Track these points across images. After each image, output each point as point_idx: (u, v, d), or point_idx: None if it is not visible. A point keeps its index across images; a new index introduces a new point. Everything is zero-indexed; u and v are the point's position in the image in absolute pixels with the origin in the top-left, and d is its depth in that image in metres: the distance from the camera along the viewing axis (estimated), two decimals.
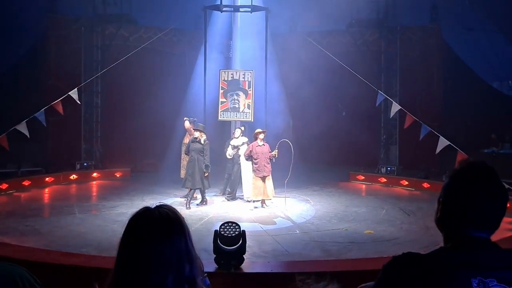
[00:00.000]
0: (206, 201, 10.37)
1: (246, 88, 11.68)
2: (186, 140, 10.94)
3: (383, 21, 15.09)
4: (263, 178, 9.94)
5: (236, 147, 10.77)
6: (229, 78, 11.76)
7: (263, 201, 10.17)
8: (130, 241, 1.49)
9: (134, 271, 1.45)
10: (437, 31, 14.52)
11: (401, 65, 14.72)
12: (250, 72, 11.73)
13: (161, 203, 1.58)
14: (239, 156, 10.69)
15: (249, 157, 10.05)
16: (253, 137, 10.26)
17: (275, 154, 9.98)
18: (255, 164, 9.96)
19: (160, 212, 1.52)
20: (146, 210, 1.53)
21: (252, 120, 11.78)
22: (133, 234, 1.50)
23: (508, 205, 1.57)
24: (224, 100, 11.74)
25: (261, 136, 10.03)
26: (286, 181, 10.12)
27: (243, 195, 10.80)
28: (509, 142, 13.00)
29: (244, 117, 11.75)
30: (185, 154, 10.52)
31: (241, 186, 10.86)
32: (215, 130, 13.46)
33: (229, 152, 10.86)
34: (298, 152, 14.64)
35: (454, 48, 14.55)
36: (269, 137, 10.68)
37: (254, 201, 10.16)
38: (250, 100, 11.66)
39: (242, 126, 11.40)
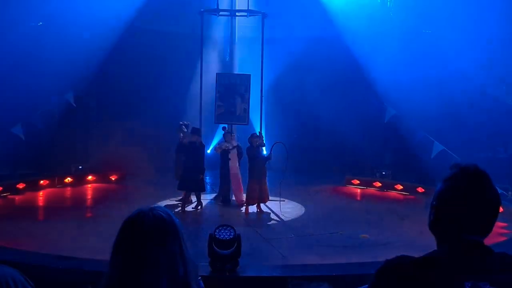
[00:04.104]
0: (201, 205, 10.36)
1: (243, 92, 11.68)
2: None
3: (378, 26, 15.12)
4: (259, 182, 9.96)
5: (227, 151, 10.75)
6: (226, 82, 11.76)
7: (258, 205, 10.17)
8: (124, 244, 1.49)
9: (128, 273, 1.45)
10: (432, 35, 14.58)
11: (397, 70, 14.74)
12: (247, 76, 11.74)
13: (155, 206, 1.58)
14: (229, 159, 10.70)
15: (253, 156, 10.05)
16: (248, 141, 10.28)
17: (270, 157, 10.06)
18: (252, 167, 10.00)
19: (154, 214, 1.52)
20: (140, 213, 1.53)
21: (248, 124, 11.80)
22: (127, 237, 1.50)
23: (500, 209, 1.59)
24: (221, 103, 11.71)
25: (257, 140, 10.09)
26: (280, 182, 10.14)
27: (234, 199, 10.83)
28: (504, 147, 13.07)
29: (240, 121, 11.74)
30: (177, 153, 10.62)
31: (232, 190, 10.87)
32: (212, 134, 13.48)
33: (221, 146, 10.80)
34: (294, 156, 14.68)
35: (448, 52, 14.59)
36: (266, 141, 10.71)
37: (249, 205, 10.16)
38: (246, 104, 11.66)
39: (224, 128, 11.34)
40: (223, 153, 10.75)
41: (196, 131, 10.30)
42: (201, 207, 10.31)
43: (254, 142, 10.08)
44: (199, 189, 10.12)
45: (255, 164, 9.95)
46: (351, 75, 14.05)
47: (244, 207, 10.21)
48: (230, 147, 10.70)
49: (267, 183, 10.28)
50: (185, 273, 1.50)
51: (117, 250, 1.49)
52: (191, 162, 9.99)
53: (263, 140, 10.34)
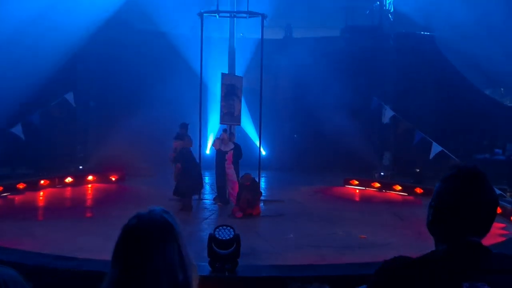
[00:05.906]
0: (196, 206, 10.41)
1: (239, 93, 11.67)
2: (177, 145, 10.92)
3: (377, 28, 15.18)
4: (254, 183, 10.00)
5: (224, 152, 10.74)
6: (228, 82, 11.73)
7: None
8: (124, 250, 1.47)
9: (128, 279, 1.44)
10: (432, 38, 14.64)
11: (396, 72, 14.80)
12: (240, 78, 11.73)
13: (154, 207, 1.55)
14: (226, 161, 10.70)
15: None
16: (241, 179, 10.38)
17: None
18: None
19: (153, 217, 1.50)
20: (138, 216, 1.51)
21: (240, 124, 11.83)
22: (126, 242, 1.47)
23: (498, 210, 1.60)
24: (224, 103, 11.67)
25: None
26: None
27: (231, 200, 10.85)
28: (501, 148, 13.11)
29: (237, 122, 11.73)
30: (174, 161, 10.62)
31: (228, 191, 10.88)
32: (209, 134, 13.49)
33: (217, 143, 10.86)
34: (294, 156, 14.70)
35: (447, 55, 14.67)
36: (264, 141, 10.72)
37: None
38: (240, 105, 11.65)
39: (224, 129, 11.39)
40: (219, 154, 10.75)
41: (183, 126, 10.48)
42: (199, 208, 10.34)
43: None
44: (199, 190, 10.20)
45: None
46: (352, 75, 14.09)
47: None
48: (228, 149, 10.69)
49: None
50: (185, 277, 1.49)
51: (116, 256, 1.47)
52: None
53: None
